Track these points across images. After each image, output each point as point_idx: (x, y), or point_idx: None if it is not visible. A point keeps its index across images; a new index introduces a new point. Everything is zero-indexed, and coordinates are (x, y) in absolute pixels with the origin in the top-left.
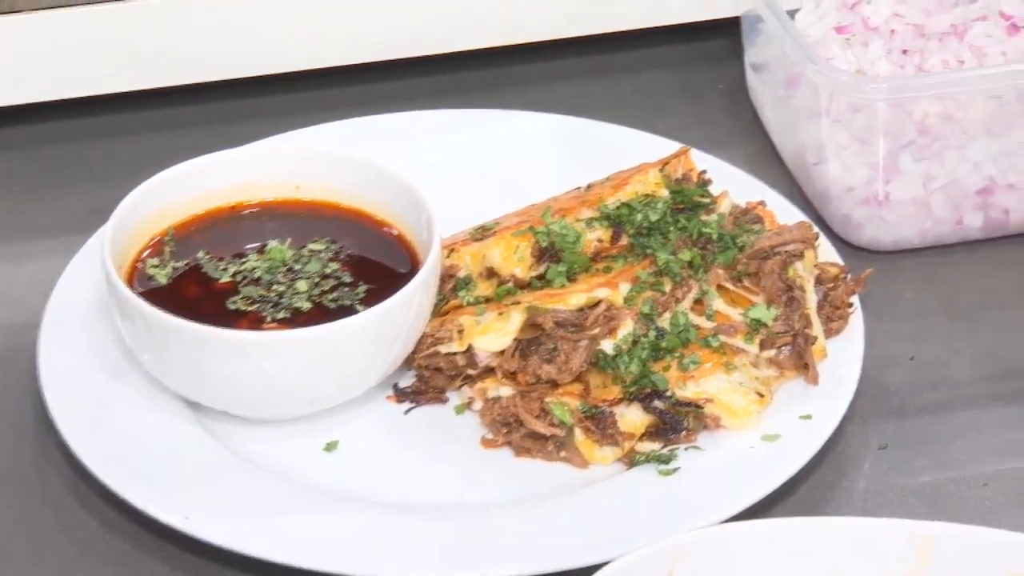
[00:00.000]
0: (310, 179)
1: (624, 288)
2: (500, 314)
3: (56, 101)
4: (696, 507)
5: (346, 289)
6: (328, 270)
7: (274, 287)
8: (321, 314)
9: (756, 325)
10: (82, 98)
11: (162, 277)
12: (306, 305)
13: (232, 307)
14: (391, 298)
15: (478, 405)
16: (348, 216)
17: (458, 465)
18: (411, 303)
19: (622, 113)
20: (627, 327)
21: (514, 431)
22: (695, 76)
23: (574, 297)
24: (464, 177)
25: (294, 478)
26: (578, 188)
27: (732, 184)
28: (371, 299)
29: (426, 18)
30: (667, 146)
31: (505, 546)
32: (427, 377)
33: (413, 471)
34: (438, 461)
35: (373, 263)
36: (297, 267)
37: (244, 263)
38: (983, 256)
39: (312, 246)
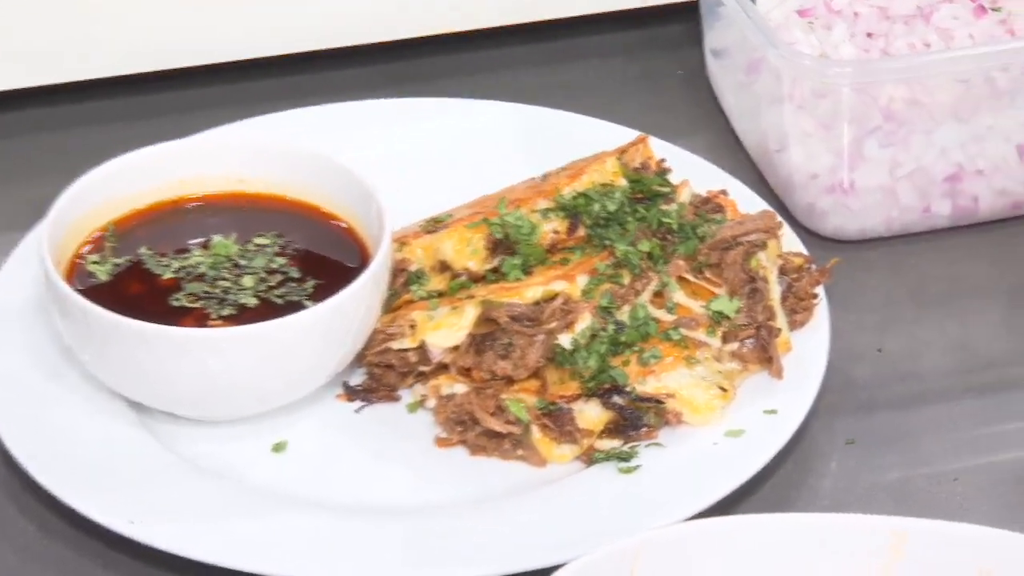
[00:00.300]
0: (255, 172)
1: (582, 281)
2: (453, 309)
3: None
4: (658, 505)
5: (294, 284)
6: (275, 265)
7: (219, 283)
8: (268, 310)
9: (718, 318)
10: (16, 90)
11: (103, 274)
12: (252, 301)
13: (176, 304)
14: (340, 293)
15: (432, 403)
16: (295, 209)
17: (411, 465)
18: (361, 298)
19: (578, 101)
20: (585, 321)
21: (469, 429)
22: (653, 62)
23: (530, 290)
24: (415, 168)
25: (241, 480)
26: (533, 178)
27: (692, 173)
28: (320, 294)
29: (373, 4)
30: (625, 134)
31: (460, 548)
32: (378, 374)
33: (364, 472)
34: (390, 461)
35: (321, 257)
36: (243, 262)
37: (188, 259)
38: (951, 245)
39: (258, 240)
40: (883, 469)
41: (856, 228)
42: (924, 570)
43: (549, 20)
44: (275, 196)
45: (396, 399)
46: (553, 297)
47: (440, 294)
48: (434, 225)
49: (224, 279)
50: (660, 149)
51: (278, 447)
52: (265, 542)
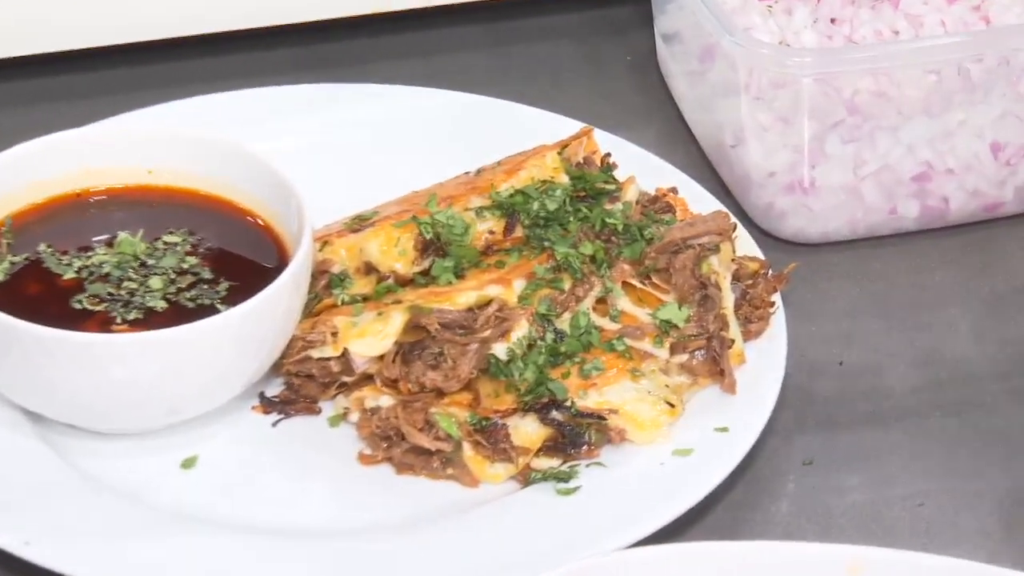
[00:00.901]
0: (164, 163)
1: (518, 285)
2: (379, 314)
3: None
4: (599, 530)
5: (206, 287)
6: (185, 265)
7: (124, 284)
8: (177, 314)
9: (666, 327)
10: None
11: None
12: (160, 304)
13: (77, 307)
14: (256, 296)
15: (355, 416)
16: (208, 204)
17: (332, 484)
18: (279, 302)
19: (516, 88)
20: (522, 329)
21: (395, 446)
22: (599, 47)
23: (462, 296)
24: (338, 160)
25: (147, 498)
26: (467, 173)
27: (640, 168)
28: (234, 297)
29: None
30: (567, 125)
31: (384, 575)
32: (297, 385)
33: (281, 491)
34: (309, 479)
35: (236, 257)
36: (151, 262)
37: (91, 257)
38: (920, 249)
39: (167, 238)
40: (843, 492)
41: (817, 230)
42: None
43: (484, 0)
44: (186, 190)
45: (316, 412)
46: (487, 303)
47: (365, 298)
48: (359, 223)
49: (130, 280)
50: (605, 142)
51: (187, 463)
52: (171, 566)
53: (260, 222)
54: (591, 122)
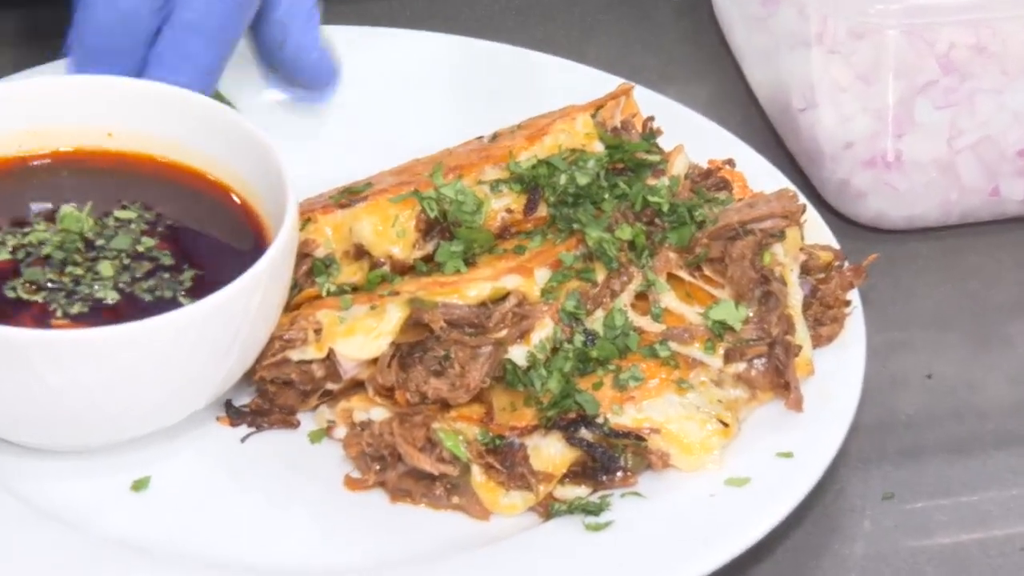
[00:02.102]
0: (120, 122)
1: (541, 276)
2: (372, 308)
3: None
4: (636, 575)
5: (166, 275)
6: (141, 248)
7: (68, 269)
8: (130, 308)
9: (719, 329)
10: None
11: None
12: (111, 295)
13: (10, 295)
14: (226, 288)
15: (341, 432)
16: (172, 174)
17: (312, 514)
18: (254, 295)
19: (541, 35)
20: (544, 329)
21: (390, 468)
22: None
23: (473, 287)
24: (326, 120)
25: (92, 527)
26: (480, 138)
27: (690, 136)
28: (200, 289)
29: None
30: (601, 82)
31: None
32: (272, 393)
33: (250, 521)
34: (285, 507)
35: (204, 239)
36: (99, 242)
37: (28, 235)
38: None
39: (120, 214)
40: (930, 532)
41: (902, 214)
42: None
43: None
44: (145, 155)
45: (294, 425)
46: (503, 297)
47: (355, 288)
48: (348, 197)
49: (74, 264)
50: (648, 103)
51: (138, 485)
52: None
53: (233, 196)
54: (631, 78)
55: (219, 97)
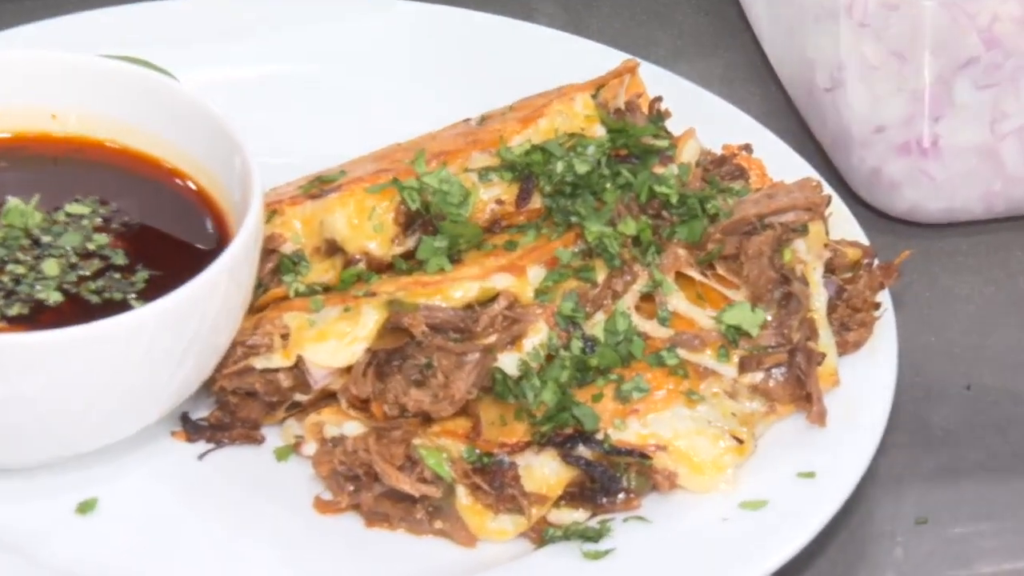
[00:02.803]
0: (72, 105)
1: (535, 275)
2: (346, 311)
3: None
4: None
5: (117, 275)
6: (92, 245)
7: (8, 268)
8: (76, 311)
9: (734, 335)
10: None
11: None
12: (55, 297)
13: None
14: (183, 288)
15: (311, 448)
16: (125, 162)
17: (278, 540)
18: (213, 295)
19: (535, 4)
20: (538, 335)
21: (365, 489)
22: None
23: (459, 288)
24: (295, 99)
25: (33, 554)
26: (467, 120)
27: (702, 118)
28: (154, 290)
29: None
30: (604, 57)
31: None
32: (233, 404)
33: (209, 549)
34: (247, 533)
35: (159, 235)
36: (46, 239)
37: None
38: None
39: (71, 208)
40: (969, 561)
41: (940, 206)
42: None
43: None
44: (96, 142)
45: (258, 441)
46: (492, 298)
47: (326, 288)
48: (320, 187)
49: (16, 262)
50: (655, 81)
51: (84, 507)
52: None
53: (191, 185)
54: (636, 53)
55: (168, 75)
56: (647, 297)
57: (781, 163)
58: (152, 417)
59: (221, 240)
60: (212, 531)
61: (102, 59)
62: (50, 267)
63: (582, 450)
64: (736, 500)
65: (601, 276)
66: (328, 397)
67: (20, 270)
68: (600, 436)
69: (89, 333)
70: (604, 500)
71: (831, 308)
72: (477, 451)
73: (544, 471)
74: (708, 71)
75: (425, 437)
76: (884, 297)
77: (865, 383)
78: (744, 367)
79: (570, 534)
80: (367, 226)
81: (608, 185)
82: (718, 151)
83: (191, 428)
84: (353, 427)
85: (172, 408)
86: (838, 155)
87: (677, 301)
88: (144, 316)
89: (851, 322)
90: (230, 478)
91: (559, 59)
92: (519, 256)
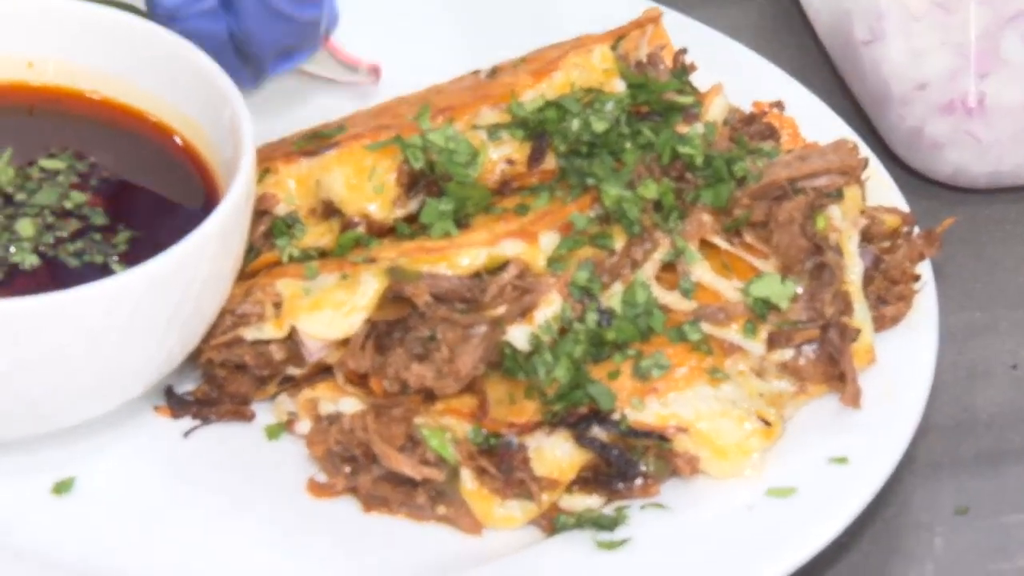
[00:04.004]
0: (49, 52)
1: (547, 242)
2: (343, 278)
3: None
4: None
5: (97, 236)
6: (70, 204)
7: None
8: (54, 275)
9: (762, 308)
10: None
11: None
12: (30, 259)
13: None
14: (169, 252)
15: (305, 426)
16: (104, 114)
17: (268, 524)
18: (201, 260)
19: None
20: (551, 306)
21: (363, 471)
22: None
23: (465, 255)
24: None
25: (2, 537)
26: (475, 73)
27: (730, 72)
28: (137, 253)
29: None
30: (624, 4)
31: None
32: (222, 378)
33: (194, 532)
34: (236, 516)
35: (143, 193)
36: (20, 196)
37: None
38: None
39: (46, 163)
40: (1012, 553)
41: (986, 170)
42: None
43: None
44: (73, 91)
45: (248, 418)
46: (502, 266)
47: (323, 254)
48: (316, 143)
49: None
50: (680, 32)
51: (61, 487)
52: None
53: (178, 140)
54: (663, 2)
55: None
56: (668, 266)
57: (815, 122)
58: (134, 391)
59: (209, 200)
60: (197, 515)
61: (83, 3)
62: (24, 227)
63: (597, 431)
64: (762, 487)
65: (619, 243)
66: (324, 371)
67: None
68: (616, 416)
69: (69, 300)
70: (620, 485)
71: (867, 280)
72: (484, 431)
73: (556, 454)
74: (738, 19)
75: (428, 416)
76: (925, 268)
77: (903, 362)
78: (773, 343)
79: (583, 522)
80: (367, 187)
81: (628, 145)
82: (747, 108)
83: (176, 403)
84: (350, 404)
85: (156, 381)
86: (876, 113)
87: (701, 271)
88: (127, 281)
89: (889, 295)
90: (217, 457)
91: (576, 6)
92: (531, 221)
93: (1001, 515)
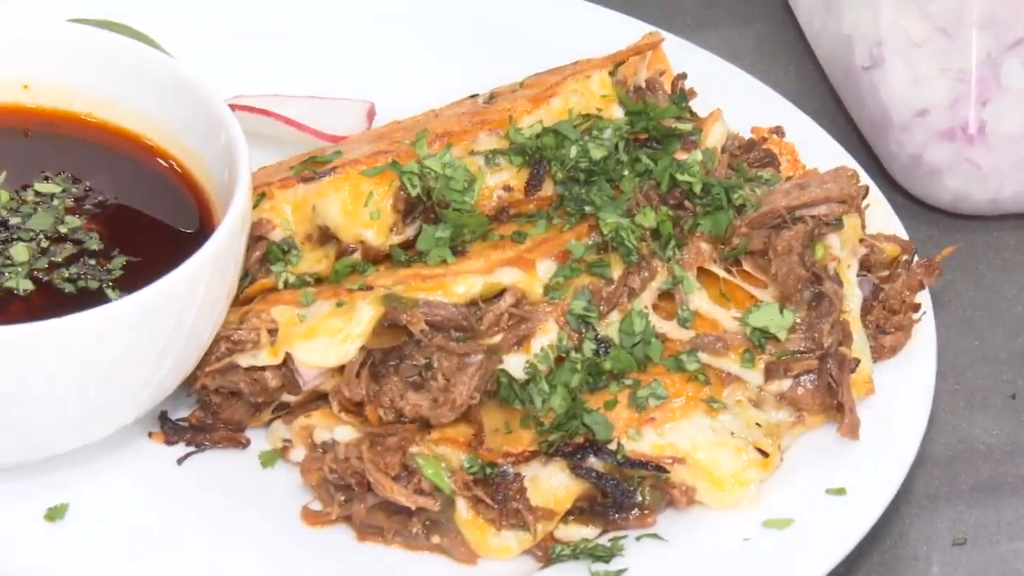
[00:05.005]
0: (45, 74)
1: (545, 270)
2: (339, 305)
3: None
4: None
5: (92, 262)
6: (65, 228)
7: None
8: (48, 301)
9: (760, 338)
10: None
11: None
12: (24, 285)
13: None
14: (164, 278)
15: (299, 454)
16: (100, 137)
17: (263, 552)
18: (196, 286)
19: None
20: (548, 335)
21: (357, 500)
22: None
23: (462, 282)
24: (285, 73)
25: None
26: (473, 98)
27: (730, 98)
28: (132, 279)
29: None
30: (623, 29)
31: None
32: (216, 405)
33: (187, 560)
34: (230, 545)
35: (138, 218)
36: (14, 220)
37: None
38: None
39: (41, 187)
40: None
41: (986, 197)
42: None
43: None
44: (70, 115)
45: (242, 444)
46: (498, 294)
47: (318, 280)
48: (312, 168)
49: None
50: (680, 57)
51: (54, 513)
52: None
53: (174, 165)
54: (660, 25)
55: (150, 42)
56: (666, 295)
57: (815, 148)
58: (128, 417)
59: (205, 225)
60: (191, 542)
61: (78, 25)
62: (19, 252)
63: (593, 461)
64: (759, 518)
65: (617, 272)
66: (319, 399)
67: None
68: (613, 446)
69: (63, 326)
70: (616, 516)
71: (866, 309)
72: (479, 461)
73: (552, 484)
74: (738, 44)
75: (423, 445)
76: (924, 298)
77: (902, 392)
78: (770, 373)
79: (579, 552)
80: (363, 213)
81: (626, 172)
82: (746, 134)
83: (170, 429)
84: (345, 432)
85: (150, 408)
86: (877, 140)
87: (699, 300)
88: (122, 308)
89: (888, 325)
90: (211, 484)
91: (575, 31)
92: (528, 248)
93: (999, 546)
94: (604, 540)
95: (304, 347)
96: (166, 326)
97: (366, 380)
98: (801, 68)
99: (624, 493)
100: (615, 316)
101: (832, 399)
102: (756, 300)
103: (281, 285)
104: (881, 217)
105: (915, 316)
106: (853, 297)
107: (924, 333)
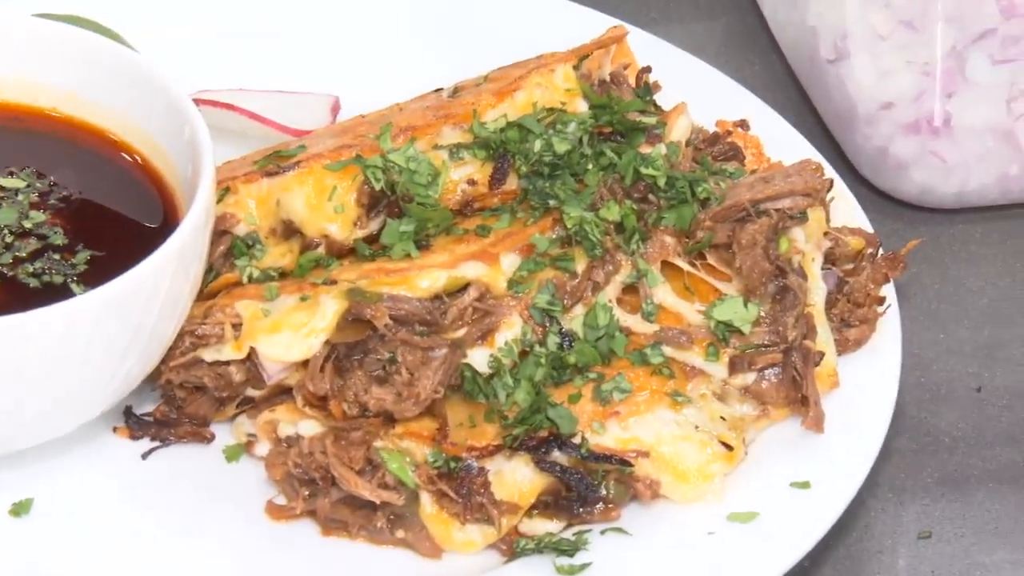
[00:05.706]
0: (8, 69)
1: (509, 263)
2: (303, 300)
3: None
4: None
5: (56, 256)
6: (29, 223)
7: None
8: (13, 295)
9: (724, 331)
10: None
11: None
12: None
13: None
14: (128, 273)
15: (264, 448)
16: (65, 134)
17: (227, 546)
18: (160, 281)
19: None
20: (512, 329)
21: (321, 494)
22: None
23: (426, 276)
24: (249, 65)
25: None
26: (437, 92)
27: (694, 91)
28: (96, 273)
29: None
30: (588, 22)
31: None
32: (181, 400)
33: (152, 555)
34: (194, 539)
35: (101, 213)
36: None
37: None
38: None
39: (7, 182)
40: None
41: (952, 190)
42: None
43: None
44: (34, 110)
45: (207, 439)
46: (462, 288)
47: (283, 274)
48: (276, 162)
49: None
50: (644, 50)
51: (18, 509)
52: None
53: (137, 159)
54: (625, 15)
55: (115, 37)
56: (630, 289)
57: (780, 141)
58: (93, 412)
59: (169, 219)
60: (155, 537)
61: (43, 20)
62: None
63: (557, 455)
64: (724, 512)
65: (581, 265)
66: (283, 393)
67: None
68: (577, 440)
69: (27, 321)
70: (580, 510)
71: (831, 303)
72: (443, 455)
73: (516, 478)
74: (703, 37)
75: (387, 439)
76: (889, 291)
77: (866, 385)
78: (735, 367)
79: (543, 546)
80: (327, 207)
81: (590, 166)
82: (711, 127)
83: (135, 424)
84: (309, 427)
85: (115, 403)
86: (842, 133)
87: (663, 294)
88: (86, 303)
89: (852, 318)
90: (176, 479)
91: (539, 23)
92: (492, 243)
93: (964, 539)
94: (568, 534)
95: (268, 341)
96: (130, 321)
97: (330, 374)
98: (766, 61)
99: (588, 487)
100: (579, 310)
101: (796, 392)
102: (720, 294)
103: (245, 279)
104: (846, 210)
105: (880, 309)
106: (817, 290)
107: (889, 326)
